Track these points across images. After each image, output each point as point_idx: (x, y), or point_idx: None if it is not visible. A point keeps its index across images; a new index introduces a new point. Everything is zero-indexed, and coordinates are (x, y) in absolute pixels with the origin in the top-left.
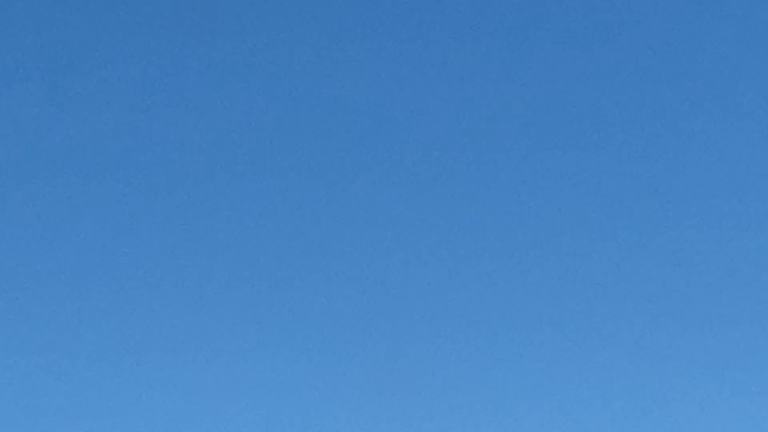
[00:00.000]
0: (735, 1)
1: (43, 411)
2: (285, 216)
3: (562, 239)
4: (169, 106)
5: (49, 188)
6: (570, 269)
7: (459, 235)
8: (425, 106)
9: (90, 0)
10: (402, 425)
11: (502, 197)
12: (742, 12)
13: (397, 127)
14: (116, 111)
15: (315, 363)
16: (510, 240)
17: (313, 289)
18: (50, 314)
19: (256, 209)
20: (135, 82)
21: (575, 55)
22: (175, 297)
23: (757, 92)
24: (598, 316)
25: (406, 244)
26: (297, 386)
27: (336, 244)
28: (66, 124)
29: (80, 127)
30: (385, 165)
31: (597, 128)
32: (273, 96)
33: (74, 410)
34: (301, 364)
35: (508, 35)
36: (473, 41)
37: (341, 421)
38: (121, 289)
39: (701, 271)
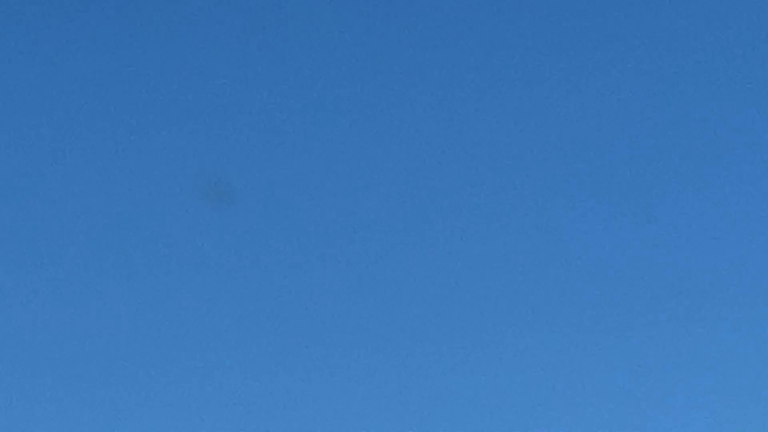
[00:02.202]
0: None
1: (42, 411)
2: (282, 214)
3: (562, 241)
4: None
5: (47, 185)
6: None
7: (457, 233)
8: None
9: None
10: (400, 425)
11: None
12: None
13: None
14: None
15: (312, 363)
16: (510, 241)
17: (311, 289)
18: (47, 314)
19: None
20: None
21: (576, 57)
22: (170, 296)
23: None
24: (597, 316)
25: (404, 243)
26: (294, 387)
27: (334, 245)
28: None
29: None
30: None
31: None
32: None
33: (73, 410)
34: (299, 363)
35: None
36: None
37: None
38: (118, 290)
39: (702, 270)
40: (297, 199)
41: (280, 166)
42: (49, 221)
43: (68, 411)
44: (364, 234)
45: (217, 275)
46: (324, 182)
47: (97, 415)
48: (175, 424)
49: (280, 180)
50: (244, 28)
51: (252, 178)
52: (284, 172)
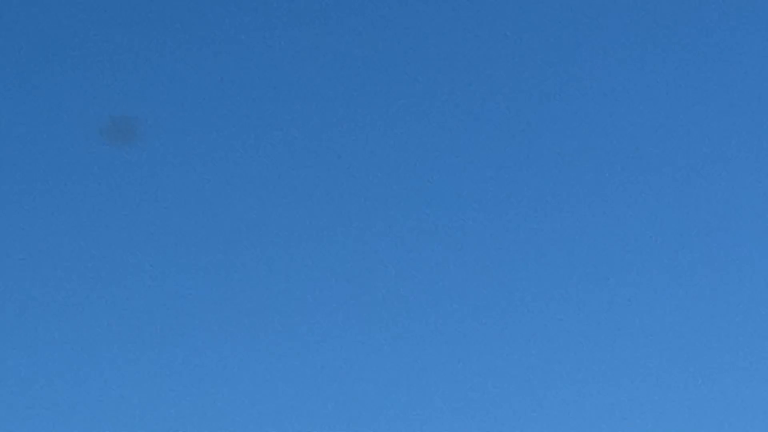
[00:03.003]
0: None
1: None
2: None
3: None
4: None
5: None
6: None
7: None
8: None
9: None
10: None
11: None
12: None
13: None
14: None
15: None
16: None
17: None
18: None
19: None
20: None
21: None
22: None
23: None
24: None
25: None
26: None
27: (238, 185)
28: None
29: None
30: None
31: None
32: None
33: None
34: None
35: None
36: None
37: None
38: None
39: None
40: (202, 139)
41: (185, 103)
42: None
43: None
44: (268, 169)
45: (119, 216)
46: (230, 121)
47: None
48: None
49: (185, 118)
50: None
51: (155, 116)
52: (189, 110)
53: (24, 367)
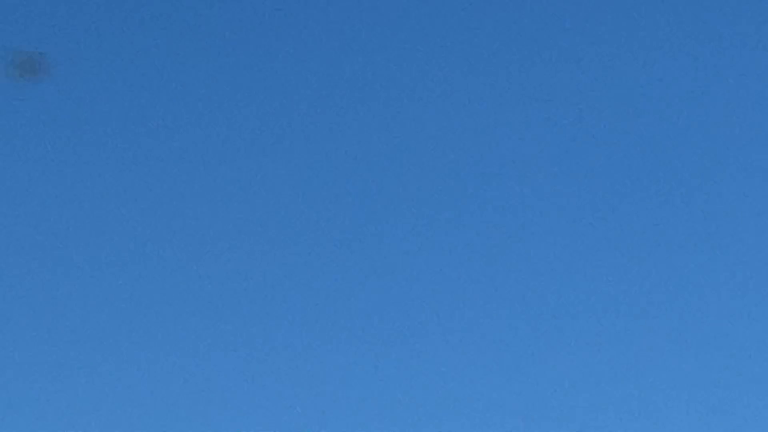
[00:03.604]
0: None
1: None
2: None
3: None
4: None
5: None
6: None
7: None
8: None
9: None
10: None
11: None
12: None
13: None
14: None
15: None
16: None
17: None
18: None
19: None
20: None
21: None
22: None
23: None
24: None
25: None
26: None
27: (148, 121)
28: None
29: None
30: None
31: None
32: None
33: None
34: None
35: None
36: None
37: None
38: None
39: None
40: (114, 74)
41: (94, 39)
42: None
43: None
44: (176, 105)
45: (24, 154)
46: (141, 55)
47: None
48: None
49: (94, 54)
50: None
51: (64, 51)
52: (98, 46)
53: None
